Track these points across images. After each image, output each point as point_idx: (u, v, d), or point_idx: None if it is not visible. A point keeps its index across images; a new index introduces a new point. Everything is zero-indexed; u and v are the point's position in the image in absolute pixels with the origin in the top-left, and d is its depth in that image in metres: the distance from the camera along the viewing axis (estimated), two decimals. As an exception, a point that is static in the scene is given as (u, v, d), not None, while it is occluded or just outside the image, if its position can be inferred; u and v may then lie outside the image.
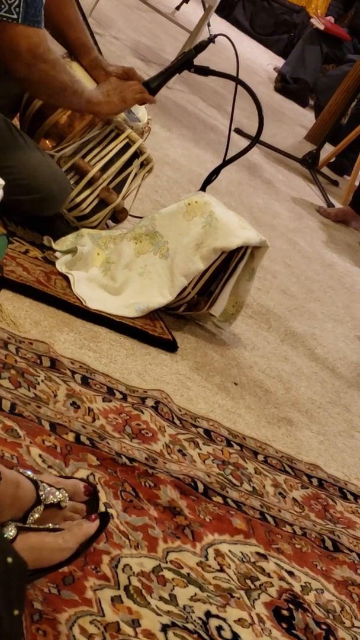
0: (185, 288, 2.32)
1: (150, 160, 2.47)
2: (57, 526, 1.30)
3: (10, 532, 1.24)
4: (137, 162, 2.43)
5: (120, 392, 1.90)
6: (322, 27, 6.51)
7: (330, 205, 4.49)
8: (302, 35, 6.91)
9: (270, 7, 8.23)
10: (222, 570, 1.58)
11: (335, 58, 6.57)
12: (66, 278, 2.21)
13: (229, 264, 2.40)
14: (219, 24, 7.50)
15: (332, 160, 5.14)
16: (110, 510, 1.53)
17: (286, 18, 8.20)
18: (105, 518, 1.34)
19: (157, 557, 1.51)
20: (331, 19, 6.71)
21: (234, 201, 3.71)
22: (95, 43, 2.53)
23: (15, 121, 2.39)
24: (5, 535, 1.22)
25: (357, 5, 6.69)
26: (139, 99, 2.38)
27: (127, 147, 2.40)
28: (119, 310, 2.22)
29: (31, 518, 1.28)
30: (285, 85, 6.51)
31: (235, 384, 2.34)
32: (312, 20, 6.71)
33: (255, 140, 2.53)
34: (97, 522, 1.31)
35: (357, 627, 1.68)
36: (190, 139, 4.06)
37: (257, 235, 2.40)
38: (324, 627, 1.60)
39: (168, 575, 1.48)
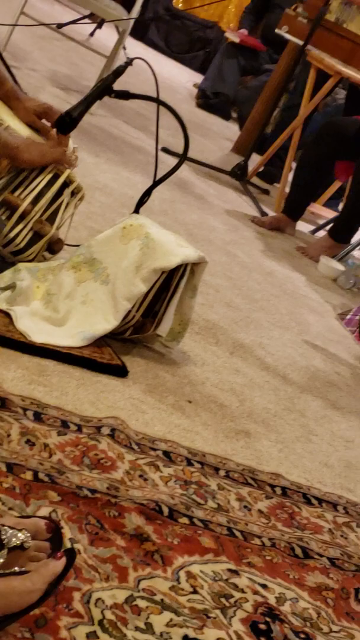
0: (129, 312, 2.31)
1: (81, 188, 2.46)
2: (24, 569, 1.27)
3: (-23, 580, 1.21)
4: (67, 191, 2.42)
5: (75, 424, 1.88)
6: (237, 40, 6.57)
7: (263, 214, 4.52)
8: (217, 50, 6.96)
9: (183, 25, 8.29)
10: (195, 591, 1.56)
11: (252, 69, 6.63)
12: (7, 315, 2.18)
13: (171, 283, 2.40)
14: (134, 47, 7.54)
15: (260, 170, 5.17)
16: (76, 545, 1.51)
17: (200, 35, 8.27)
18: (71, 554, 1.32)
19: (128, 587, 1.49)
20: (245, 31, 6.77)
21: (168, 220, 3.71)
22: (12, 75, 2.52)
23: None
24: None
25: (268, 16, 6.76)
26: (57, 159, 2.38)
27: (55, 177, 2.39)
28: (64, 341, 2.20)
29: (-4, 564, 1.26)
30: (207, 100, 6.55)
31: (190, 402, 2.34)
32: (227, 34, 6.76)
33: (183, 157, 2.53)
34: (63, 560, 1.29)
35: (335, 631, 1.67)
36: (119, 163, 4.06)
37: (195, 252, 2.40)
38: (302, 636, 1.60)
39: (142, 604, 1.47)
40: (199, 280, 2.46)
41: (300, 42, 4.72)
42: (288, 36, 5.02)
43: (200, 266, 2.44)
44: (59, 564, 1.28)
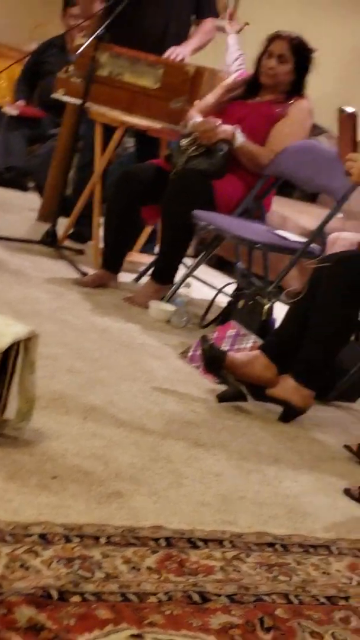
0: (-29, 403, 2.26)
1: None
2: None
3: None
4: None
5: None
6: (16, 113, 6.58)
7: (84, 274, 4.52)
8: (-1, 127, 6.94)
9: None
10: (104, 666, 1.52)
11: (38, 137, 6.65)
12: None
13: (7, 364, 2.36)
14: None
15: (70, 232, 5.18)
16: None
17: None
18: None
19: None
20: (22, 102, 6.79)
21: (-10, 302, 3.66)
22: None
23: None
24: None
25: (41, 83, 6.80)
26: None
27: None
28: None
29: None
30: (0, 177, 6.53)
31: (54, 477, 2.29)
32: (5, 109, 6.77)
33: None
34: None
35: (252, 666, 1.66)
36: None
37: (25, 328, 2.38)
38: None
39: None
40: (35, 354, 2.43)
41: (79, 102, 4.76)
42: (66, 98, 5.07)
43: (32, 340, 2.41)
44: None
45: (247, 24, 4.63)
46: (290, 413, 3.27)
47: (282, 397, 3.26)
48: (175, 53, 4.90)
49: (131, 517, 2.17)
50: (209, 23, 5.17)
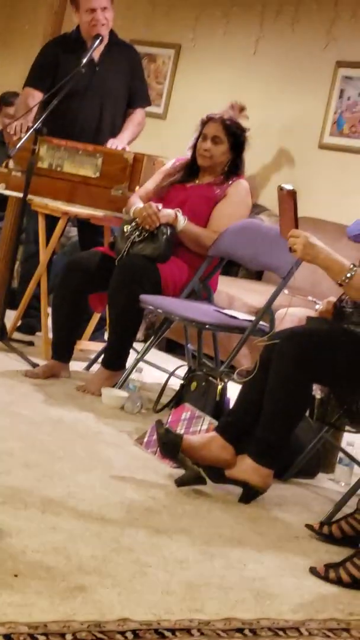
0: None
1: None
2: None
3: None
4: None
5: None
6: None
7: (34, 365, 4.50)
8: None
9: None
10: None
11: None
12: None
13: None
14: None
15: (19, 324, 5.16)
16: None
17: None
18: None
19: None
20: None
21: None
22: None
23: None
24: None
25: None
26: None
27: None
28: None
29: None
30: None
31: (16, 575, 2.25)
32: None
33: None
34: None
35: None
36: None
37: (-23, 424, 2.35)
38: None
39: None
40: (-11, 450, 2.40)
41: (20, 195, 4.79)
42: (7, 192, 5.10)
43: (-14, 437, 2.38)
44: None
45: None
46: (250, 494, 3.25)
47: (241, 478, 3.25)
48: (115, 145, 4.98)
49: (96, 611, 2.13)
50: (139, 113, 5.27)
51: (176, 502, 3.11)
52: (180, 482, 3.25)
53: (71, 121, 5.09)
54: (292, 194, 3.23)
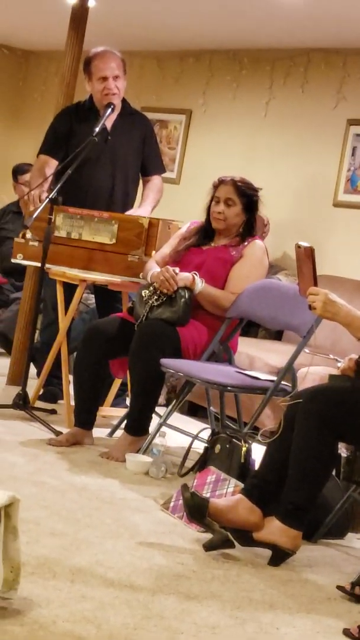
0: None
1: None
2: None
3: None
4: None
5: None
6: (-23, 282, 6.65)
7: (58, 433, 4.49)
8: None
9: None
10: None
11: (2, 303, 6.70)
12: None
13: (-12, 534, 2.31)
14: None
15: (41, 393, 5.17)
16: None
17: None
18: None
19: None
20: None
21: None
22: None
23: None
24: None
25: (1, 250, 6.91)
26: None
27: None
28: None
29: None
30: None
31: (46, 647, 2.23)
32: (-35, 280, 6.84)
33: None
34: None
35: None
36: None
37: (4, 493, 2.34)
38: None
39: None
40: (17, 520, 2.39)
41: (38, 265, 4.83)
42: (25, 262, 5.14)
43: (13, 506, 2.37)
44: None
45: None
46: (279, 556, 3.22)
47: (270, 541, 3.21)
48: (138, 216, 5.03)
49: None
50: (157, 180, 5.32)
51: (205, 567, 3.08)
52: (208, 547, 3.22)
53: (84, 189, 5.15)
54: (310, 252, 3.24)
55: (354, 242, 6.17)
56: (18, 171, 6.91)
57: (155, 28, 6.86)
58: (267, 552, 3.23)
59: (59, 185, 4.69)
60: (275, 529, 3.21)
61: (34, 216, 4.68)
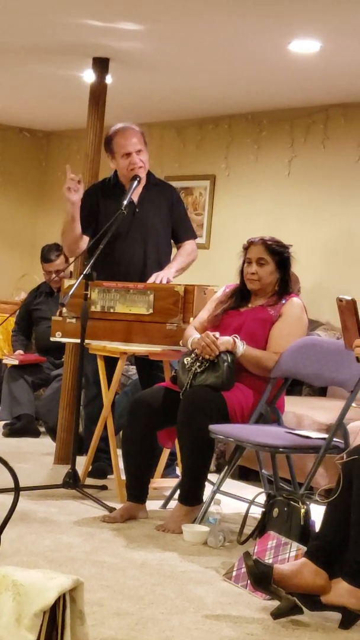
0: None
1: None
2: None
3: None
4: None
5: None
6: (17, 362, 6.66)
7: (111, 509, 4.44)
8: (1, 379, 6.99)
9: None
10: None
11: (42, 382, 6.70)
12: None
13: (56, 618, 2.27)
14: None
15: (90, 470, 5.13)
16: None
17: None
18: None
19: None
20: (20, 351, 6.88)
21: (24, 556, 3.57)
22: None
23: None
24: None
25: (36, 329, 6.93)
26: None
27: None
28: None
29: None
30: (11, 427, 6.53)
31: None
32: (5, 361, 6.84)
33: (16, 494, 2.47)
34: None
35: None
36: None
37: (68, 577, 2.31)
38: None
39: None
40: (82, 603, 2.35)
41: (77, 341, 4.83)
42: (64, 340, 5.14)
43: (78, 589, 2.33)
44: None
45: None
46: (350, 618, 3.14)
47: (339, 603, 3.14)
48: (160, 278, 5.02)
49: None
50: (189, 245, 5.33)
51: (275, 636, 3.01)
52: (276, 614, 3.15)
53: (116, 263, 5.16)
54: (353, 304, 3.22)
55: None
56: (43, 259, 6.93)
57: (173, 98, 6.94)
58: (337, 616, 3.15)
59: (92, 261, 4.70)
60: (343, 591, 3.13)
61: (70, 293, 4.70)
